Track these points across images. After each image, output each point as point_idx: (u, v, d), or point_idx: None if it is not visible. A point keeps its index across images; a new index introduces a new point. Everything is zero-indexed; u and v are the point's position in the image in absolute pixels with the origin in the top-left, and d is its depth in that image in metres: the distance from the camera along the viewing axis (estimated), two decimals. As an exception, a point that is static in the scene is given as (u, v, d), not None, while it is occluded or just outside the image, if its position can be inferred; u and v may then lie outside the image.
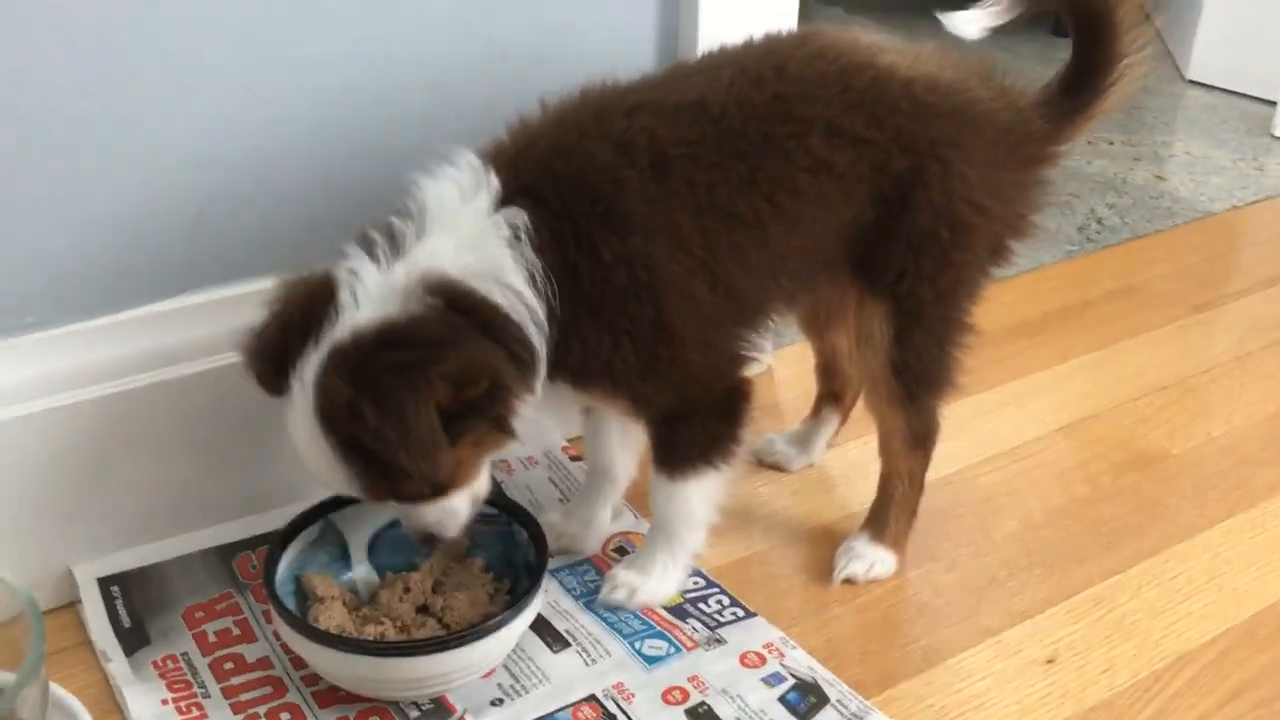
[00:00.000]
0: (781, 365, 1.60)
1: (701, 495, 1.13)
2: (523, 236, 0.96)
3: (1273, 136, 2.53)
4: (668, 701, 1.05)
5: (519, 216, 0.96)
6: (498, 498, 1.14)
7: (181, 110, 1.11)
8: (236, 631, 1.13)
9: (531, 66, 1.28)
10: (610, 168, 0.99)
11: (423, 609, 1.10)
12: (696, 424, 1.08)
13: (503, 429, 0.98)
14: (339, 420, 0.91)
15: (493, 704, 1.05)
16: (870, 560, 1.22)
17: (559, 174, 0.99)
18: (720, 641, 1.12)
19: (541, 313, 0.97)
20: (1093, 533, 1.30)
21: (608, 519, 1.27)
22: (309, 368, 0.93)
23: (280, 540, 1.10)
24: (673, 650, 1.11)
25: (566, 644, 1.12)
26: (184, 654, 1.10)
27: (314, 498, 1.13)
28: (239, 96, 1.13)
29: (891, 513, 1.23)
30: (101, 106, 1.06)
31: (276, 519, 1.21)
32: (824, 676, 1.08)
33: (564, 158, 1.00)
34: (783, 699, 1.06)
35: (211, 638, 1.12)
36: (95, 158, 1.08)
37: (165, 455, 1.18)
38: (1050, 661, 1.12)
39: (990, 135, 1.09)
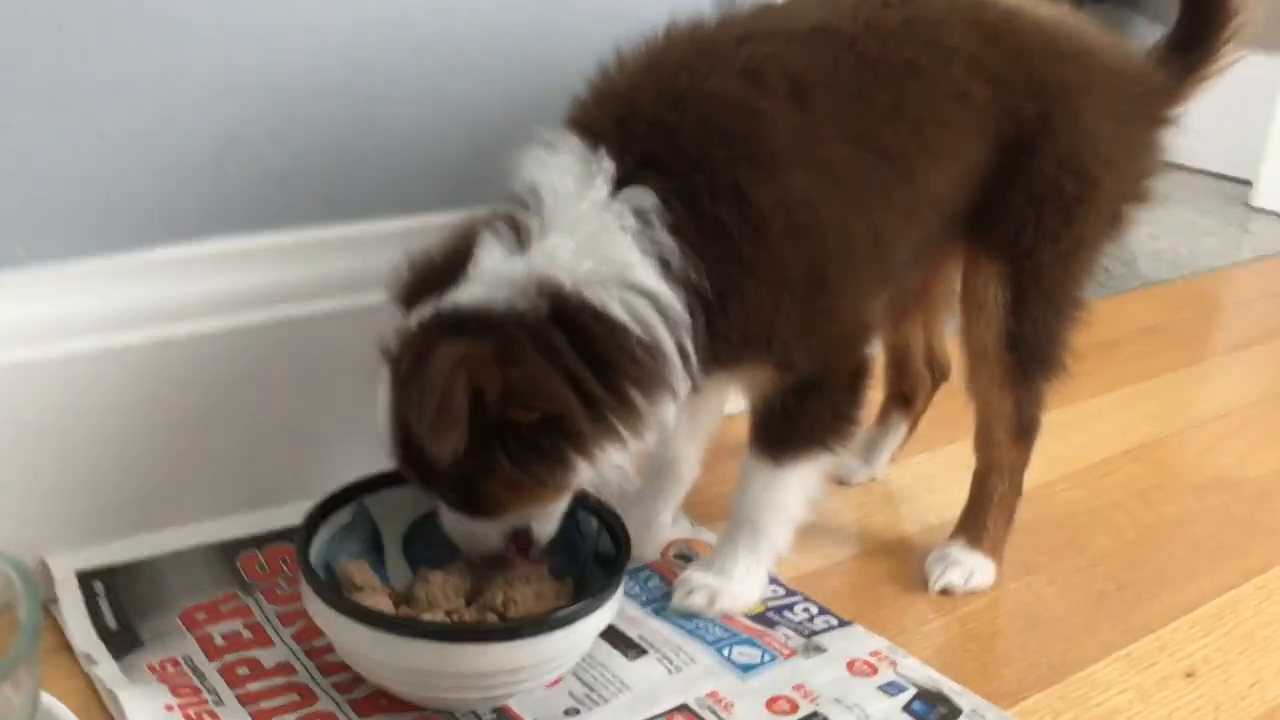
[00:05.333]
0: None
1: (802, 483, 0.99)
2: (653, 219, 0.82)
3: (1250, 207, 2.55)
4: (774, 711, 0.90)
5: (644, 197, 0.82)
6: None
7: (210, 24, 0.96)
8: (248, 635, 0.94)
9: (589, 21, 1.16)
10: (744, 100, 0.86)
11: (477, 603, 0.93)
12: (825, 396, 0.95)
13: (547, 480, 0.84)
14: (394, 381, 0.83)
15: (567, 714, 0.88)
16: (969, 568, 1.08)
17: (678, 128, 0.85)
18: (820, 649, 0.97)
19: (681, 305, 0.83)
20: (1192, 551, 1.19)
21: (669, 521, 1.12)
22: (412, 318, 0.84)
23: (310, 521, 0.92)
24: (768, 658, 0.96)
25: (643, 651, 0.95)
26: (186, 657, 0.91)
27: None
28: (277, 17, 0.99)
29: (990, 515, 1.10)
30: (119, 11, 0.91)
31: (288, 515, 1.04)
32: (949, 686, 0.93)
33: (679, 107, 0.86)
34: (908, 709, 0.91)
35: (218, 641, 0.93)
36: (109, 68, 0.93)
37: (164, 431, 1.01)
38: (1190, 675, 0.99)
39: (1117, 85, 1.00)
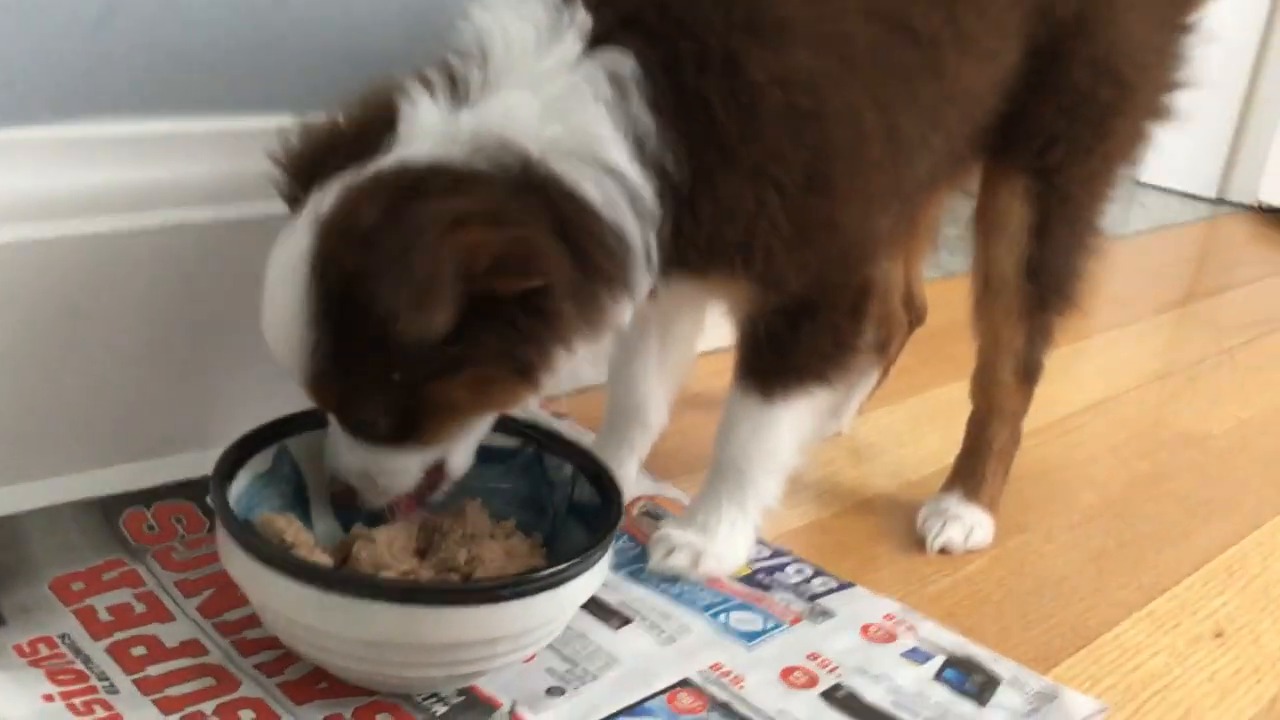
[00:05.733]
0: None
1: (795, 425, 0.85)
2: (630, 90, 0.69)
3: (1136, 182, 2.56)
4: (792, 684, 0.76)
5: (623, 62, 0.69)
6: (515, 422, 0.82)
7: None
8: (141, 607, 0.76)
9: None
10: None
11: (428, 562, 0.77)
12: (823, 321, 0.82)
13: (524, 373, 0.69)
14: (342, 247, 0.64)
15: (550, 693, 0.73)
16: (968, 523, 0.97)
17: None
18: (826, 614, 0.84)
19: (650, 196, 0.70)
20: (1180, 506, 1.11)
21: (634, 474, 0.97)
22: (338, 185, 0.67)
23: (225, 466, 0.74)
24: (771, 624, 0.82)
25: (626, 619, 0.81)
26: (63, 635, 0.72)
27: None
28: None
29: (989, 466, 0.99)
30: None
31: (181, 466, 0.86)
32: (979, 652, 0.82)
33: None
34: (941, 678, 0.79)
35: (104, 615, 0.75)
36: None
37: (25, 360, 0.81)
38: (1219, 635, 0.90)
39: (1152, -21, 0.91)
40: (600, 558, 0.72)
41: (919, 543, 0.97)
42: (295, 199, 0.70)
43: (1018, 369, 0.96)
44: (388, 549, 0.76)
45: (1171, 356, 1.52)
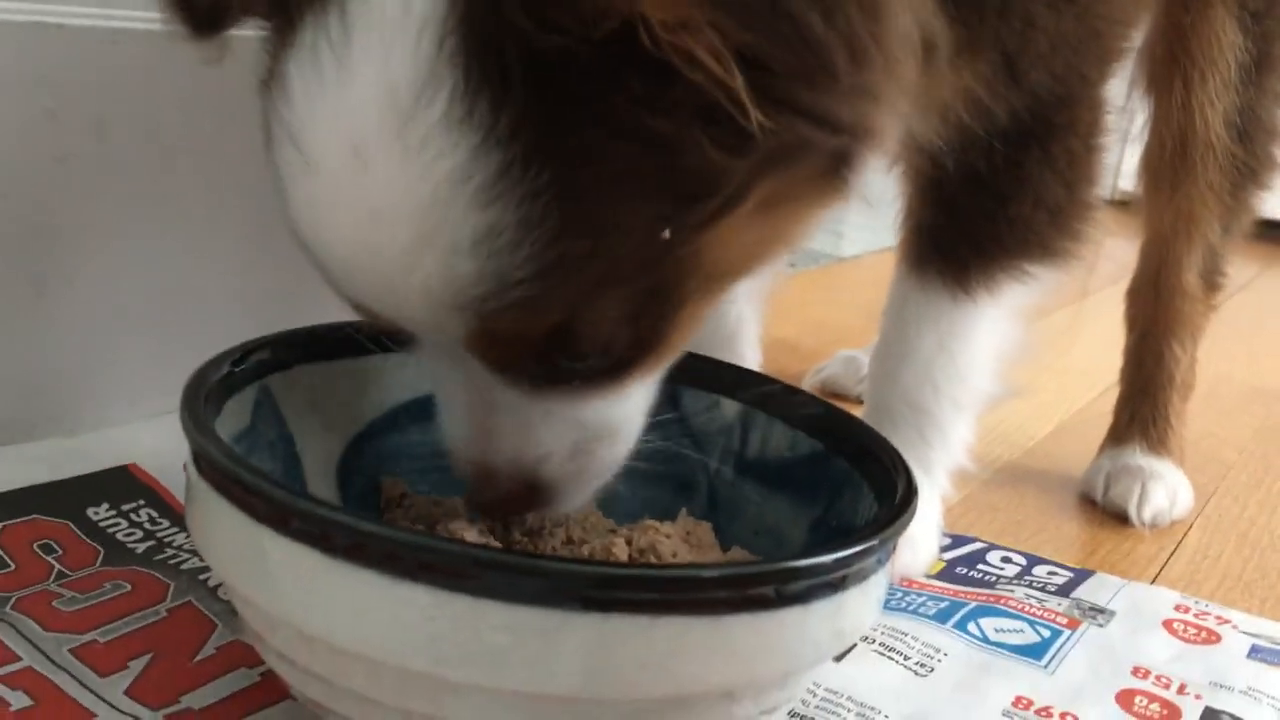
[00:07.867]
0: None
1: (998, 333, 0.58)
2: None
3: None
4: (1138, 715, 0.48)
5: None
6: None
7: None
8: (22, 700, 0.40)
9: None
10: None
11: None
12: (1056, 149, 0.54)
13: (838, 168, 0.38)
14: None
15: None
16: (1171, 485, 0.73)
17: None
18: (1100, 611, 0.56)
19: None
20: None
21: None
22: None
23: (198, 404, 0.39)
24: (1048, 632, 0.54)
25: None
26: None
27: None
28: None
29: (1170, 405, 0.76)
30: None
31: (34, 463, 0.54)
32: (1339, 644, 0.56)
33: None
34: (1322, 684, 0.52)
35: (-51, 720, 0.38)
36: None
37: None
38: None
39: None
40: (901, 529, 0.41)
41: (1107, 514, 0.73)
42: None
43: (1204, 268, 0.73)
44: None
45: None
